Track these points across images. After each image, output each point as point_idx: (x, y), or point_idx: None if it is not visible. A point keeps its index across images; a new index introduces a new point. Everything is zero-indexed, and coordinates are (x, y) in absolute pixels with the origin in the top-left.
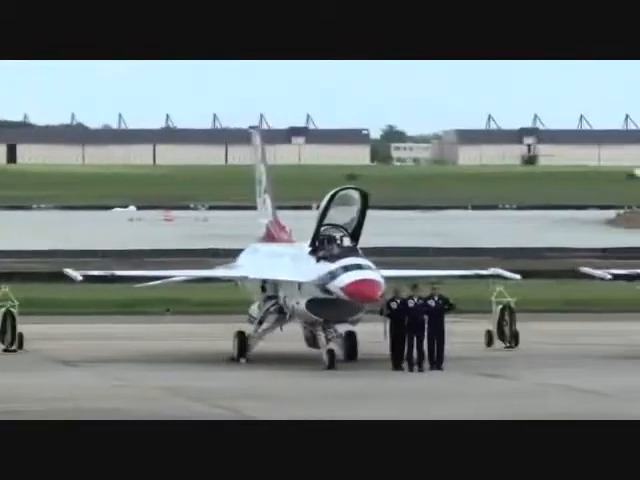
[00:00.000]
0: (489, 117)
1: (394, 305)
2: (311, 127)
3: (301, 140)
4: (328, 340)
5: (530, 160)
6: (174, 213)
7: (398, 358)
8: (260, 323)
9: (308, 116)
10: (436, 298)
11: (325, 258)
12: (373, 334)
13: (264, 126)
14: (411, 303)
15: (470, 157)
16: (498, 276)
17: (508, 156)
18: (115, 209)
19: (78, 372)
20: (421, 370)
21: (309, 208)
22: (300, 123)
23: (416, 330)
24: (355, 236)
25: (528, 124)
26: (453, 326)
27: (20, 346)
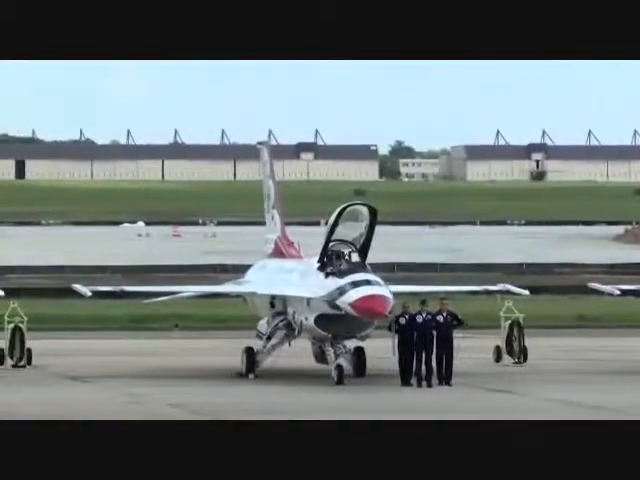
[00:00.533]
0: (497, 133)
1: (403, 321)
2: (320, 143)
3: (310, 156)
4: (337, 356)
5: (538, 176)
6: (182, 229)
7: (407, 374)
8: (269, 339)
9: (317, 132)
10: (445, 314)
11: (334, 274)
12: (382, 350)
13: (272, 142)
14: (420, 319)
15: (478, 173)
16: (507, 292)
17: (516, 172)
18: (124, 225)
19: (88, 388)
20: (429, 386)
21: (317, 224)
22: (309, 139)
23: (424, 346)
24: (363, 252)
25: (537, 140)
26: (462, 341)
27: (29, 362)
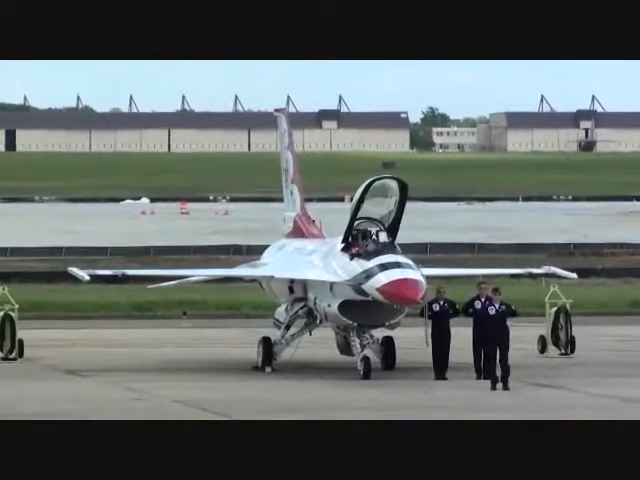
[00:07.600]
0: (542, 98)
1: (436, 307)
2: (343, 110)
3: (332, 124)
4: (363, 347)
5: (587, 146)
6: (191, 205)
7: (441, 367)
8: (287, 328)
9: (340, 98)
10: (483, 300)
11: (359, 255)
12: (413, 340)
13: (291, 109)
14: (492, 310)
15: (521, 143)
16: (552, 275)
17: (563, 142)
18: (126, 201)
19: (86, 384)
20: (506, 388)
21: (341, 200)
22: (331, 106)
23: (500, 340)
24: (393, 231)
25: (585, 106)
26: None
27: (20, 354)
